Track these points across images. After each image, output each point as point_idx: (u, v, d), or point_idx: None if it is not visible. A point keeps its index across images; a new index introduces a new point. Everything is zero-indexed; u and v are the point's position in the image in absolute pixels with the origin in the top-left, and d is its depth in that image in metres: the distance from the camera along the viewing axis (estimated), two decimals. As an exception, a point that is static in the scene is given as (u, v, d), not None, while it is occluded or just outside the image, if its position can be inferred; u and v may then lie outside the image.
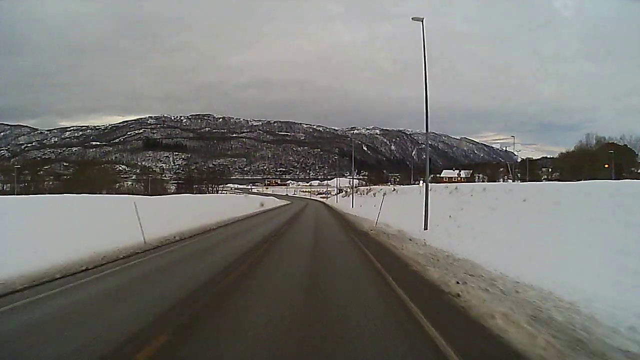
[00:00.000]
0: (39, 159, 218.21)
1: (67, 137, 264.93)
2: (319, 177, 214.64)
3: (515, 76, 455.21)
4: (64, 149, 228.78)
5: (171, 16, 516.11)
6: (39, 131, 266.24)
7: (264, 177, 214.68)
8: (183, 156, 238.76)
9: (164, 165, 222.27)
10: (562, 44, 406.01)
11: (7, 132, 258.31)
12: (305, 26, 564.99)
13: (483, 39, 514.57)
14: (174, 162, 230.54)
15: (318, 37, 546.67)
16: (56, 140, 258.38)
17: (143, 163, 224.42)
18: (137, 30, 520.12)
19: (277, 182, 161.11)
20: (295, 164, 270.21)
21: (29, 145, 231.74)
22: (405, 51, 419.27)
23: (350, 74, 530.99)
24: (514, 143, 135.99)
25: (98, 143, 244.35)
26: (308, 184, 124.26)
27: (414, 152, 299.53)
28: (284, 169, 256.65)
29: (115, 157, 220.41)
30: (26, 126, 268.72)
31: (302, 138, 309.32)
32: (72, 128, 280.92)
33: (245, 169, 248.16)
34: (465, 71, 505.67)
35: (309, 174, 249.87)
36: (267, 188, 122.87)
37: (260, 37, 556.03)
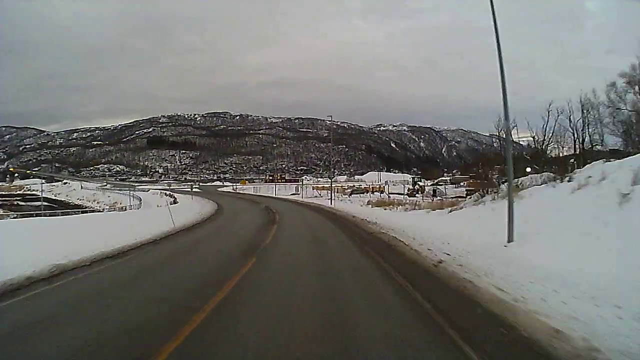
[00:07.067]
0: (34, 160, 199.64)
1: (73, 139, 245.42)
2: (345, 174, 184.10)
3: (537, 71, 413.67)
4: (62, 149, 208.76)
5: (187, 16, 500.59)
6: (45, 133, 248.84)
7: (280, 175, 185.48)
8: (191, 154, 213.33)
9: (169, 164, 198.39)
10: (585, 37, 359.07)
11: (13, 135, 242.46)
12: (324, 23, 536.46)
13: (505, 33, 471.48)
14: (180, 161, 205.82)
15: (337, 35, 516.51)
16: (62, 142, 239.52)
17: (146, 163, 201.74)
18: (154, 31, 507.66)
19: (284, 178, 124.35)
20: (318, 162, 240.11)
21: (28, 146, 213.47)
22: (428, 47, 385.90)
23: (371, 71, 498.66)
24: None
25: (100, 143, 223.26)
26: (331, 180, 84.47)
27: (444, 149, 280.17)
28: (305, 167, 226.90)
29: (116, 157, 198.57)
30: (33, 128, 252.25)
31: (325, 135, 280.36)
32: (80, 129, 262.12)
33: (261, 167, 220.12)
34: (487, 66, 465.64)
35: (334, 172, 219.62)
36: (245, 184, 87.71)
37: (279, 36, 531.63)
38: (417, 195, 38.02)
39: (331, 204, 30.34)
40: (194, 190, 56.21)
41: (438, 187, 44.42)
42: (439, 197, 32.73)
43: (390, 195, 37.87)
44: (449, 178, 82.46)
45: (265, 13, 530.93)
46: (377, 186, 53.73)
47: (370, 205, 26.28)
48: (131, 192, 45.79)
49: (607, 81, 18.97)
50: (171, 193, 48.78)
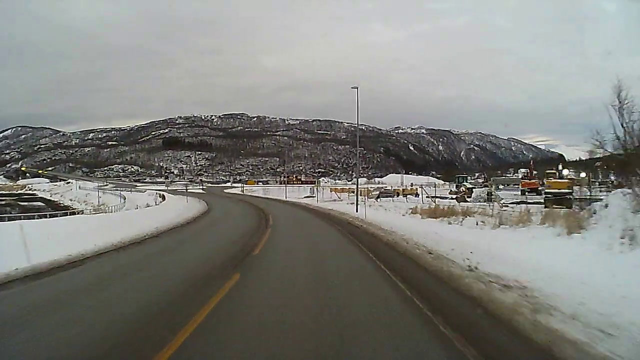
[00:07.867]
0: (49, 160, 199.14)
1: (88, 139, 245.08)
2: (364, 176, 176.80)
3: (555, 74, 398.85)
4: (76, 149, 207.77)
5: (205, 19, 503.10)
6: (61, 133, 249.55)
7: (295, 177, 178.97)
8: (207, 156, 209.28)
9: (184, 165, 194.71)
10: (605, 39, 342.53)
11: (29, 135, 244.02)
12: (341, 26, 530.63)
13: (523, 34, 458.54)
14: (196, 162, 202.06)
15: (355, 38, 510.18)
16: (77, 142, 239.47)
17: (161, 164, 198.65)
18: (172, 33, 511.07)
19: (299, 179, 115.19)
20: (336, 164, 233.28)
21: (43, 146, 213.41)
22: (446, 49, 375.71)
23: (390, 74, 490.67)
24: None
25: (115, 143, 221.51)
26: (357, 180, 76.08)
27: (462, 153, 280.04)
28: (322, 170, 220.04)
29: (131, 158, 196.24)
30: (49, 128, 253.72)
31: (343, 137, 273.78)
32: (97, 129, 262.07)
33: (278, 169, 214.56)
34: (505, 69, 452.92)
35: (351, 175, 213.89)
36: (254, 184, 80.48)
37: (297, 39, 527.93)
38: (468, 199, 30.02)
39: (357, 211, 20.71)
40: (199, 190, 49.67)
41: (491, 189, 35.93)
42: (504, 203, 24.71)
43: (432, 199, 29.58)
44: (476, 180, 74.82)
45: (283, 16, 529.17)
46: (409, 188, 45.13)
47: (419, 215, 17.73)
48: (120, 192, 40.02)
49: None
50: (164, 194, 42.72)
